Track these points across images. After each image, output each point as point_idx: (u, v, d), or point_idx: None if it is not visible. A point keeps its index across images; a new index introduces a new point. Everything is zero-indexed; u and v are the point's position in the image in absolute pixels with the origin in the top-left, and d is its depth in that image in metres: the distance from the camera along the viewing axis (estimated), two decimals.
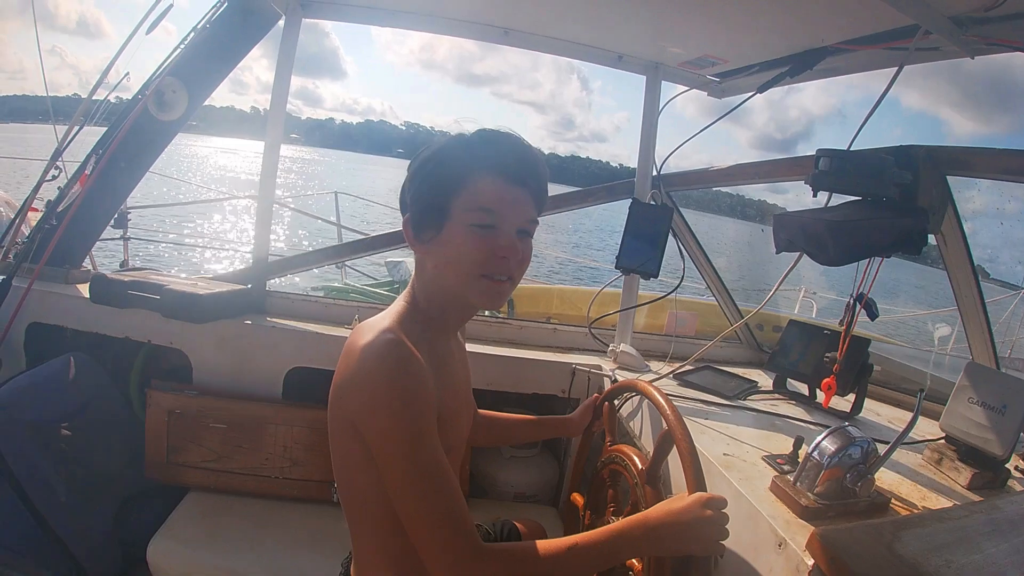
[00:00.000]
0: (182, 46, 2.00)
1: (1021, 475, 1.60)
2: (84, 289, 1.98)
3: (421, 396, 0.95)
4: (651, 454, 1.28)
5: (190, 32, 2.01)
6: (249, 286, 2.14)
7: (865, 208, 1.41)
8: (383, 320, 1.05)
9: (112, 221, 2.29)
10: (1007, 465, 1.51)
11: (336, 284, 4.76)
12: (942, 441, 1.59)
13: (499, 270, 1.07)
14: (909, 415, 1.90)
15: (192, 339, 2.00)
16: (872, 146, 1.59)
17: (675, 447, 1.16)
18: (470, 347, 2.03)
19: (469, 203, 1.04)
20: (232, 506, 1.97)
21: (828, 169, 1.40)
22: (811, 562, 1.02)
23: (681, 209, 2.26)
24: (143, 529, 1.83)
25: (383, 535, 1.04)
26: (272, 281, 2.29)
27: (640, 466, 1.30)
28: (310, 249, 2.44)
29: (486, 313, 2.66)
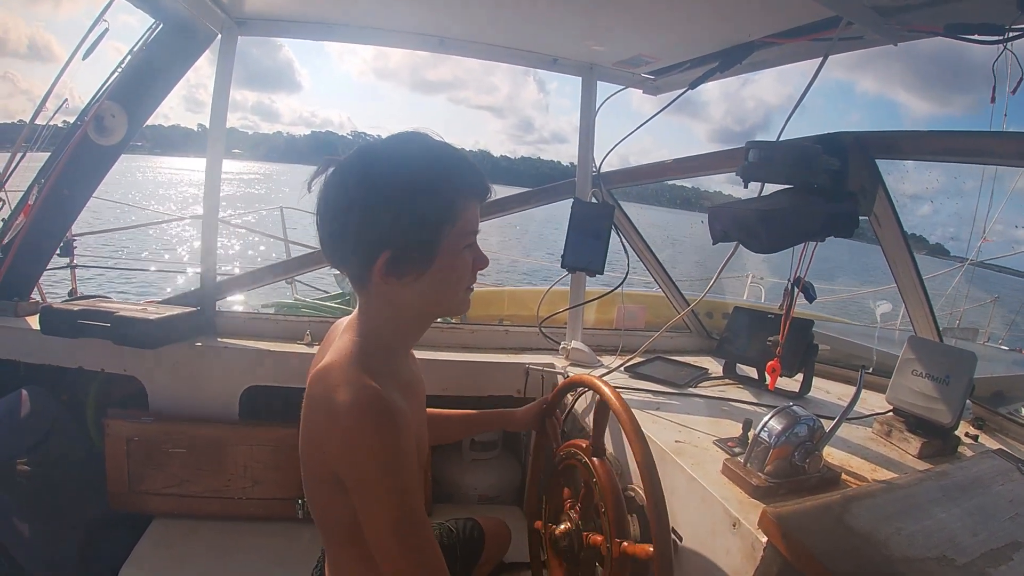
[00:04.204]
0: (119, 69, 1.97)
1: (971, 441, 1.67)
2: (34, 321, 1.94)
3: (406, 451, 0.94)
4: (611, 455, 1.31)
5: (127, 55, 1.98)
6: (199, 308, 2.11)
7: (796, 196, 1.46)
8: (350, 367, 0.99)
9: (58, 250, 2.24)
10: (956, 433, 1.57)
11: (287, 300, 4.70)
12: (890, 414, 1.64)
13: (474, 280, 1.13)
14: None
15: (145, 365, 1.98)
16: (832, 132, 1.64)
17: (623, 433, 1.19)
18: (422, 354, 2.03)
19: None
20: (198, 530, 1.95)
21: (757, 160, 1.45)
22: (764, 539, 1.05)
23: (636, 204, 2.31)
24: (111, 560, 1.80)
25: (361, 545, 1.03)
26: (223, 301, 2.27)
27: (585, 445, 1.34)
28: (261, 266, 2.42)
29: (439, 320, 2.67)
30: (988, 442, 1.71)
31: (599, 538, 1.29)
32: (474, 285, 1.15)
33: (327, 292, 5.43)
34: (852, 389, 2.01)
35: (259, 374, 2.04)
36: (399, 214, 0.98)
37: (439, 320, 2.56)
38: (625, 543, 1.20)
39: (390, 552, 0.93)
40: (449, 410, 1.58)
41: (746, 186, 1.53)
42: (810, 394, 1.92)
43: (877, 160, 1.65)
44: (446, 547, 1.57)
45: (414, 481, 0.95)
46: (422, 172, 1.00)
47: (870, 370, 2.23)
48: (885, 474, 1.38)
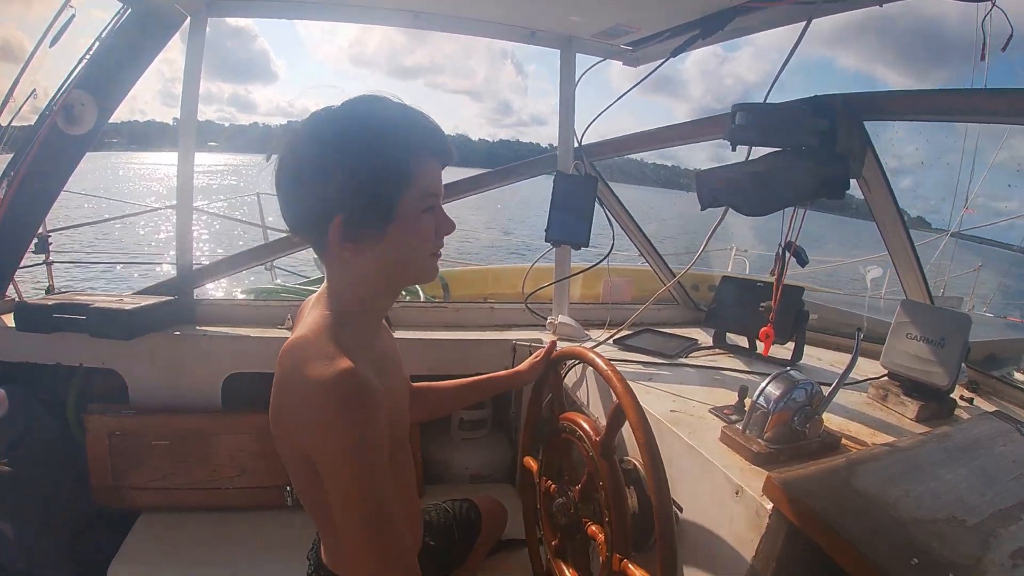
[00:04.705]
0: (87, 57, 1.91)
1: (966, 404, 1.66)
2: (9, 319, 1.89)
3: (376, 431, 0.91)
4: (603, 425, 1.28)
5: (94, 42, 1.91)
6: (176, 297, 2.07)
7: (785, 158, 1.43)
8: (321, 340, 0.96)
9: (32, 246, 2.18)
10: (951, 396, 1.57)
11: (266, 286, 4.64)
12: (885, 378, 1.64)
13: (440, 246, 1.09)
14: (849, 357, 1.97)
15: (123, 357, 1.94)
16: None
17: (619, 404, 1.17)
18: (409, 335, 2.01)
19: (418, 192, 1.00)
20: (186, 523, 1.92)
21: (745, 123, 1.42)
22: (770, 506, 1.03)
23: (618, 185, 2.28)
24: (99, 557, 1.77)
25: None
26: (201, 290, 2.23)
27: (594, 437, 1.30)
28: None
29: (421, 298, 2.63)
30: (983, 405, 1.71)
31: (600, 536, 1.27)
32: (455, 262, 1.12)
33: (308, 277, 5.37)
34: (843, 356, 2.05)
35: (240, 361, 2.00)
36: (349, 176, 0.95)
37: (422, 299, 2.53)
38: (627, 562, 1.18)
39: (354, 537, 0.90)
40: (440, 382, 1.55)
41: (734, 149, 1.50)
42: (802, 361, 1.90)
43: (866, 123, 1.63)
44: (443, 528, 1.56)
45: (383, 462, 0.91)
46: (372, 132, 0.96)
47: (863, 335, 2.24)
48: (884, 438, 1.37)
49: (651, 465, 1.08)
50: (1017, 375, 2.86)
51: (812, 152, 1.39)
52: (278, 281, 4.97)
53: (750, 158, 1.54)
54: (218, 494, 1.97)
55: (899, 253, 1.88)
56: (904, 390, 1.56)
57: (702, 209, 1.57)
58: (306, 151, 0.97)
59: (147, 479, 1.92)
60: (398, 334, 1.96)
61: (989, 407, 1.68)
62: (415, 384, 1.49)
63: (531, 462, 1.60)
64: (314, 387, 0.89)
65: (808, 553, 0.96)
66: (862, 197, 1.81)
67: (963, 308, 6.45)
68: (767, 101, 1.54)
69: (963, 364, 1.53)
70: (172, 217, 2.13)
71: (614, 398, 1.19)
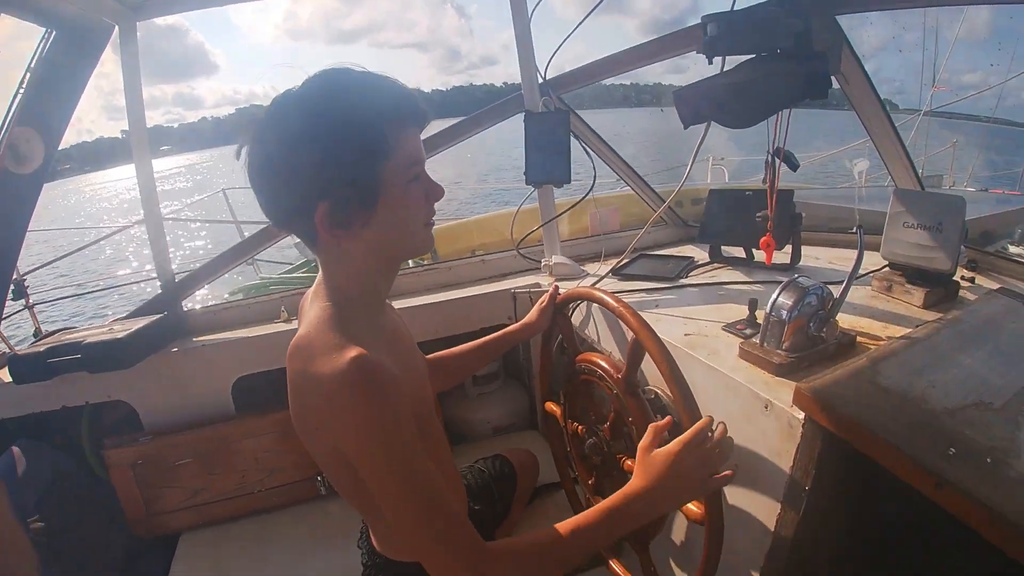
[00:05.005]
0: (21, 90, 1.82)
1: (969, 284, 1.66)
2: (4, 374, 1.85)
3: (401, 411, 0.88)
4: (623, 361, 1.27)
5: (25, 73, 1.83)
6: (166, 313, 2.03)
7: (763, 64, 1.39)
8: (327, 334, 0.92)
9: (10, 294, 2.12)
10: (954, 278, 1.57)
11: (253, 282, 4.55)
12: (886, 269, 1.64)
13: (432, 213, 1.05)
14: (846, 253, 1.95)
15: (128, 386, 1.91)
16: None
17: (637, 338, 1.16)
18: (405, 303, 1.99)
19: (402, 163, 0.95)
20: (228, 535, 1.92)
21: (718, 33, 1.38)
22: (801, 415, 1.03)
23: (577, 111, 2.21)
24: None
25: None
26: (189, 300, 2.19)
27: (615, 375, 1.29)
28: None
29: (411, 264, 2.59)
30: (984, 282, 1.71)
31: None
32: (436, 221, 1.09)
33: (291, 263, 5.29)
34: (841, 252, 2.05)
35: (244, 363, 1.98)
36: (325, 159, 0.90)
37: (411, 264, 2.49)
38: None
39: (407, 522, 0.87)
40: (454, 348, 1.54)
41: (710, 62, 1.45)
42: (801, 263, 1.90)
43: (838, 17, 1.59)
44: (482, 488, 1.57)
45: (414, 441, 0.89)
46: (342, 108, 0.91)
47: (853, 229, 2.23)
48: (897, 329, 1.36)
49: (681, 395, 1.07)
50: (1011, 248, 2.88)
51: (789, 54, 1.35)
52: (263, 275, 4.90)
53: (725, 68, 1.50)
54: (252, 499, 1.96)
55: (884, 143, 1.87)
56: (908, 278, 1.56)
57: (685, 128, 1.52)
58: (275, 142, 0.92)
59: (179, 501, 1.92)
60: (397, 304, 1.95)
61: (991, 284, 1.69)
62: (429, 357, 1.47)
63: (553, 407, 1.60)
64: (328, 382, 0.86)
65: (846, 456, 0.96)
66: (835, 88, 1.77)
67: (944, 186, 6.49)
68: (733, 8, 1.48)
69: (962, 245, 1.53)
70: (143, 233, 2.08)
71: (629, 333, 1.18)
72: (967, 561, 0.92)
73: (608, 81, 2.28)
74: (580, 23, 2.04)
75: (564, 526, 0.95)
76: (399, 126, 0.95)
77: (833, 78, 1.53)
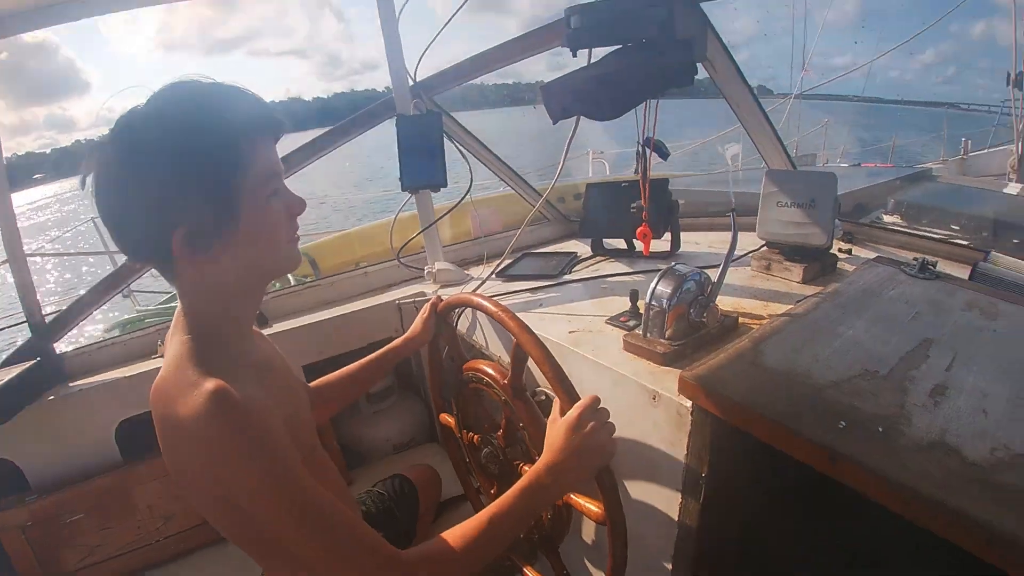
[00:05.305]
0: None
1: (846, 256, 1.73)
2: None
3: (274, 436, 0.82)
4: (508, 366, 1.24)
5: None
6: (38, 359, 1.85)
7: (628, 55, 1.38)
8: (184, 371, 0.85)
9: None
10: (831, 252, 1.62)
11: (130, 316, 4.24)
12: (764, 248, 1.68)
13: (295, 228, 0.99)
14: (725, 236, 1.99)
15: (7, 442, 1.74)
16: None
17: (518, 342, 1.12)
18: (287, 324, 1.89)
19: (259, 176, 0.88)
20: None
21: (581, 25, 1.36)
22: (689, 404, 1.03)
23: (458, 114, 2.17)
24: None
25: (290, 555, 0.91)
26: (65, 341, 2.01)
27: (502, 381, 1.27)
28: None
29: (292, 283, 2.47)
30: (861, 253, 1.79)
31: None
32: (317, 235, 1.02)
33: (168, 291, 4.93)
34: (719, 235, 2.10)
35: (126, 405, 1.82)
36: (177, 180, 0.82)
37: (293, 283, 2.38)
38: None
39: (313, 554, 0.82)
40: (338, 371, 1.45)
41: (575, 55, 1.44)
42: (681, 250, 1.93)
43: (702, 5, 1.60)
44: (383, 512, 1.51)
45: (298, 466, 0.83)
46: (192, 123, 0.83)
47: (736, 213, 2.30)
48: (778, 307, 1.40)
49: (564, 391, 1.05)
50: (885, 217, 3.05)
51: (654, 43, 1.35)
52: (139, 308, 4.54)
53: (591, 61, 1.49)
54: (152, 550, 1.84)
55: (754, 126, 1.92)
56: (785, 256, 1.61)
57: (554, 123, 1.50)
58: (121, 165, 0.83)
59: (77, 560, 1.77)
60: (277, 327, 1.84)
61: (868, 254, 1.75)
62: (313, 384, 1.39)
63: (447, 418, 1.56)
64: (191, 426, 0.79)
65: (739, 439, 0.96)
66: (707, 77, 1.80)
67: (817, 164, 6.85)
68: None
69: (836, 219, 1.59)
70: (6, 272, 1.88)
71: (512, 337, 1.15)
72: (873, 521, 0.94)
73: (490, 82, 2.25)
74: (447, 23, 2.00)
75: (479, 516, 0.93)
76: (252, 138, 0.88)
77: (701, 66, 1.55)
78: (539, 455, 1.20)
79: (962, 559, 0.69)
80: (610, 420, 1.03)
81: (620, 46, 1.40)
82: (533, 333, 1.10)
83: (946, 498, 0.72)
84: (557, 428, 1.02)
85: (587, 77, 1.41)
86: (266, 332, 1.77)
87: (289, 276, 2.75)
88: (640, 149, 1.56)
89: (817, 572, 1.18)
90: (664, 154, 1.57)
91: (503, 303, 1.19)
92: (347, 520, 0.84)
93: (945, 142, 8.50)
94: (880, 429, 0.85)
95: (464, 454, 1.57)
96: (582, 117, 1.52)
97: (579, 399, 1.04)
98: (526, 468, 1.28)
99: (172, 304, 3.77)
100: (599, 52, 1.45)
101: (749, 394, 0.95)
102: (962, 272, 1.54)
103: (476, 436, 1.44)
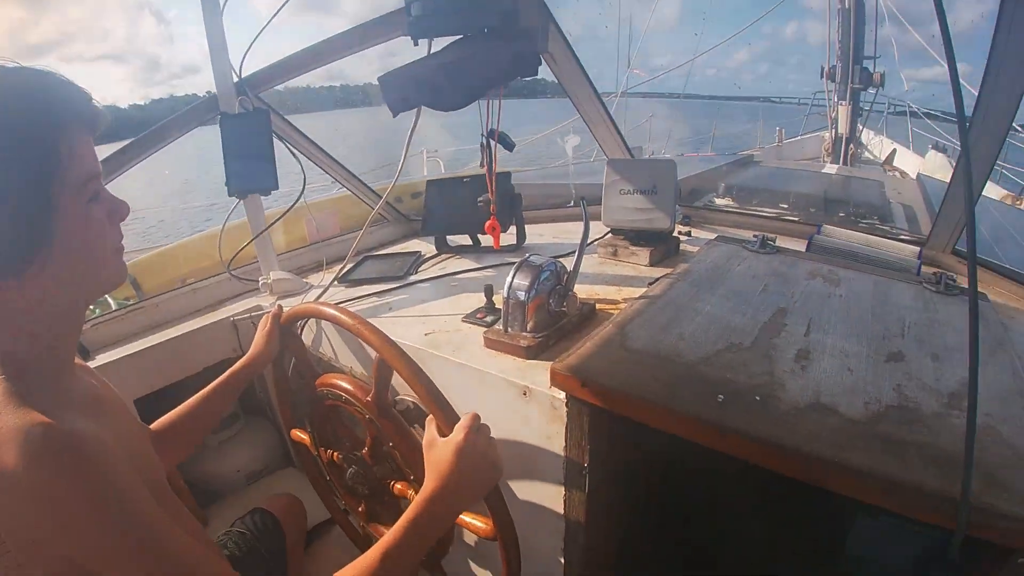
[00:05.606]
0: None
1: (687, 238, 1.81)
2: None
3: (121, 474, 0.70)
4: (368, 379, 1.16)
5: None
6: None
7: (472, 43, 1.34)
8: (5, 417, 0.67)
9: None
10: (674, 235, 1.70)
11: None
12: (609, 235, 1.72)
13: (120, 236, 0.84)
14: (568, 226, 2.02)
15: None
16: None
17: (372, 350, 1.04)
18: (113, 355, 1.64)
19: (79, 179, 0.74)
20: None
21: (423, 12, 1.31)
22: (562, 395, 1.02)
23: (295, 116, 2.02)
24: None
25: None
26: None
27: (364, 397, 1.16)
28: None
29: (113, 307, 2.13)
30: (700, 234, 1.88)
31: (410, 492, 1.19)
32: (135, 252, 0.87)
33: None
34: (562, 226, 2.13)
35: None
36: None
37: (114, 307, 2.07)
38: None
39: None
40: (179, 408, 1.25)
41: (416, 43, 1.39)
42: (527, 242, 1.93)
43: None
44: (248, 553, 1.35)
45: (152, 511, 0.71)
46: None
47: (571, 204, 2.35)
48: (632, 291, 1.43)
49: (438, 407, 0.97)
50: (718, 200, 3.25)
51: (497, 32, 1.33)
52: None
53: (432, 51, 1.44)
54: None
55: (593, 117, 1.96)
56: (631, 241, 1.66)
57: (394, 115, 1.42)
58: None
59: None
60: (101, 358, 1.60)
61: (708, 235, 1.84)
62: (153, 426, 1.20)
63: (300, 435, 1.44)
64: (19, 474, 0.64)
65: (617, 424, 0.96)
66: (542, 77, 1.81)
67: (644, 155, 7.30)
68: None
69: (677, 204, 1.66)
70: None
71: (372, 352, 1.05)
72: (753, 485, 0.97)
73: (317, 84, 2.11)
74: (275, 14, 1.83)
75: (371, 555, 0.83)
76: (71, 133, 0.73)
77: (541, 57, 1.55)
78: (413, 473, 1.12)
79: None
80: (492, 435, 0.97)
81: (462, 35, 1.36)
82: (397, 346, 1.01)
83: (840, 455, 0.75)
84: (441, 452, 0.93)
85: (430, 65, 1.35)
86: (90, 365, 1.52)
87: (109, 299, 2.37)
88: (485, 141, 1.53)
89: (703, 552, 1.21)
90: (509, 145, 1.55)
91: (348, 309, 1.10)
92: (219, 572, 0.74)
93: (761, 132, 9.31)
94: (757, 398, 0.88)
95: (324, 473, 1.46)
96: (422, 111, 1.46)
97: (457, 417, 0.97)
98: (399, 486, 1.21)
99: None
100: (438, 44, 1.41)
101: (624, 379, 0.95)
102: (799, 246, 1.65)
103: (336, 454, 1.33)
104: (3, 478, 0.64)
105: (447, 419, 0.96)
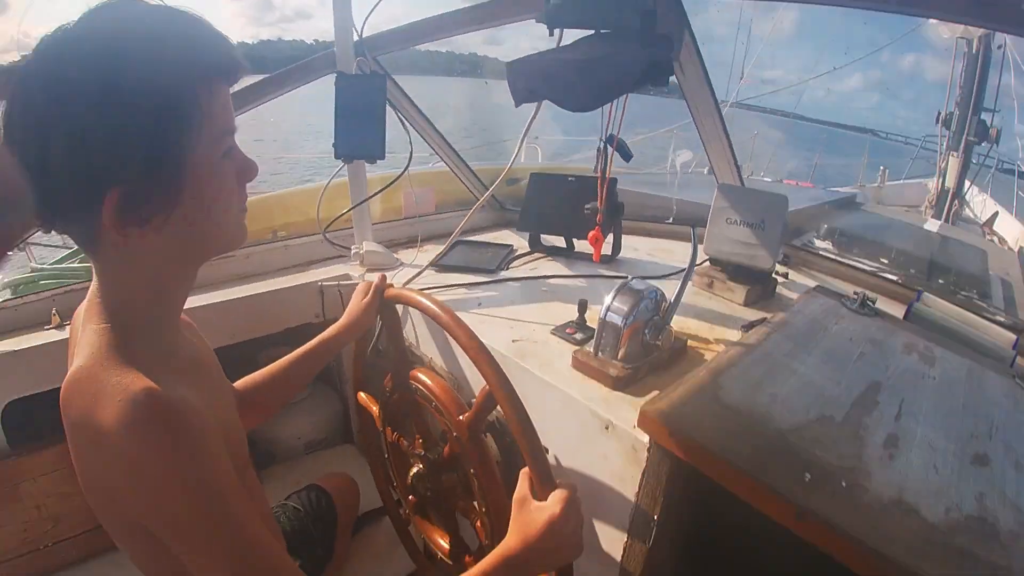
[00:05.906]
0: None
1: (783, 280, 1.71)
2: None
3: (212, 453, 0.69)
4: (462, 394, 1.13)
5: None
6: None
7: (606, 42, 1.27)
8: (107, 369, 0.69)
9: None
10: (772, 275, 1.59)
11: (23, 274, 3.54)
12: (707, 264, 1.63)
13: (245, 198, 0.84)
14: (663, 243, 1.93)
15: None
16: None
17: (463, 351, 0.96)
18: (196, 300, 1.61)
19: (214, 132, 0.73)
20: None
21: (563, 2, 1.24)
22: (646, 439, 0.95)
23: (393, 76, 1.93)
24: None
25: None
26: None
27: (456, 415, 1.09)
28: None
29: None
30: (797, 277, 1.78)
31: (476, 522, 1.14)
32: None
33: (69, 247, 4.17)
34: (658, 243, 2.03)
35: (16, 383, 1.47)
36: (116, 128, 0.64)
37: None
38: None
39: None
40: (267, 368, 1.23)
41: (551, 34, 1.32)
42: (621, 255, 1.84)
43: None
44: (300, 531, 1.34)
45: (236, 495, 0.70)
46: (133, 57, 0.65)
47: (670, 220, 2.23)
48: (723, 331, 1.35)
49: (539, 476, 0.91)
50: (817, 242, 3.11)
51: (632, 34, 1.24)
52: (33, 264, 3.83)
53: (562, 43, 1.36)
54: (40, 556, 1.53)
55: (710, 135, 1.85)
56: (729, 275, 1.57)
57: (517, 105, 1.35)
58: (45, 106, 0.64)
59: None
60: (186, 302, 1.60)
61: (802, 279, 1.75)
62: (238, 385, 1.17)
63: (371, 404, 1.37)
64: (115, 435, 0.64)
65: (695, 482, 0.89)
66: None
67: (745, 174, 7.06)
68: None
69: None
70: None
71: (483, 381, 0.95)
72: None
73: (423, 47, 2.04)
74: None
75: None
76: (209, 81, 0.71)
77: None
78: (485, 506, 1.08)
79: None
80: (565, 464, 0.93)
81: (594, 32, 1.28)
82: (512, 388, 0.93)
83: (915, 564, 0.70)
84: (534, 516, 0.88)
85: (563, 61, 1.27)
86: None
87: None
88: (602, 146, 1.45)
89: None
90: (627, 155, 1.48)
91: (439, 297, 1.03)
92: (277, 559, 0.73)
93: (864, 168, 8.91)
94: (844, 484, 0.81)
95: (385, 451, 1.40)
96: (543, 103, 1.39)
97: (553, 483, 0.90)
98: (463, 505, 1.17)
99: (73, 267, 3.26)
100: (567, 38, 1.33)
101: (714, 436, 0.89)
102: (896, 309, 1.54)
103: (402, 438, 1.29)
104: (97, 433, 0.65)
105: (542, 482, 0.90)
